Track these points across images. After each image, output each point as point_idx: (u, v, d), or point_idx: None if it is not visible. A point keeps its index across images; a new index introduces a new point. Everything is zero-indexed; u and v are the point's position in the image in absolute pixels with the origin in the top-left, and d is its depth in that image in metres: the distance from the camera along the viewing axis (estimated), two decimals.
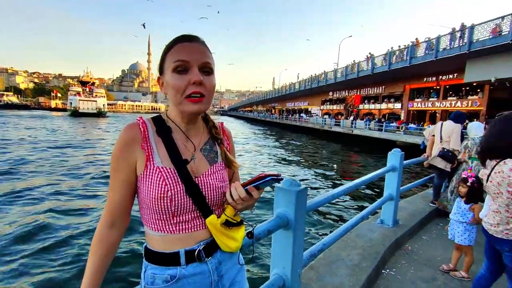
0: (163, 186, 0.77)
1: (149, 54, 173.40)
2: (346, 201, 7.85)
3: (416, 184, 4.54)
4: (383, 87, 27.66)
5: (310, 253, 1.88)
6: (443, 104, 21.34)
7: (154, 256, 0.82)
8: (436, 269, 2.72)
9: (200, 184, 0.84)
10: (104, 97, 65.39)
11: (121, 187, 0.80)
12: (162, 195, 0.77)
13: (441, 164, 4.16)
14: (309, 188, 8.88)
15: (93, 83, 67.74)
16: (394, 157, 3.38)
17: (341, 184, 2.37)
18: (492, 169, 1.76)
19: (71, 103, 59.10)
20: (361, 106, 31.62)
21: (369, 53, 26.10)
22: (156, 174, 0.79)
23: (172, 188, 0.78)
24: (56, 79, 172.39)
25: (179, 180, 0.80)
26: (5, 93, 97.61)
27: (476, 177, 2.54)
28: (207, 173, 0.87)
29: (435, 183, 4.37)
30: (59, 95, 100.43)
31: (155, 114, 0.91)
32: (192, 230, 0.83)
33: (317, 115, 39.13)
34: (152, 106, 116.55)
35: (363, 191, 8.73)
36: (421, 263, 2.84)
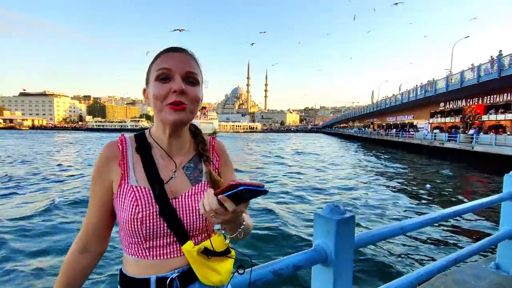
0: (134, 207, 0.73)
1: (248, 78, 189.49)
2: (433, 235, 6.16)
3: None
4: None
5: None
6: None
7: (126, 281, 0.77)
8: None
9: (177, 206, 0.76)
10: (217, 119, 76.04)
11: (97, 209, 0.79)
12: (132, 216, 0.72)
13: None
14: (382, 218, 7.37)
15: (205, 108, 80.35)
16: None
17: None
18: None
19: None
20: (485, 117, 25.98)
21: (499, 51, 21.14)
22: (129, 193, 0.75)
23: (143, 209, 0.73)
24: None
25: (153, 201, 0.74)
26: (140, 119, 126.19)
27: None
28: (187, 194, 0.79)
29: None
30: None
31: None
32: (167, 256, 0.76)
33: (424, 129, 34.09)
34: (250, 126, 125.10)
35: (464, 224, 6.84)
36: None
